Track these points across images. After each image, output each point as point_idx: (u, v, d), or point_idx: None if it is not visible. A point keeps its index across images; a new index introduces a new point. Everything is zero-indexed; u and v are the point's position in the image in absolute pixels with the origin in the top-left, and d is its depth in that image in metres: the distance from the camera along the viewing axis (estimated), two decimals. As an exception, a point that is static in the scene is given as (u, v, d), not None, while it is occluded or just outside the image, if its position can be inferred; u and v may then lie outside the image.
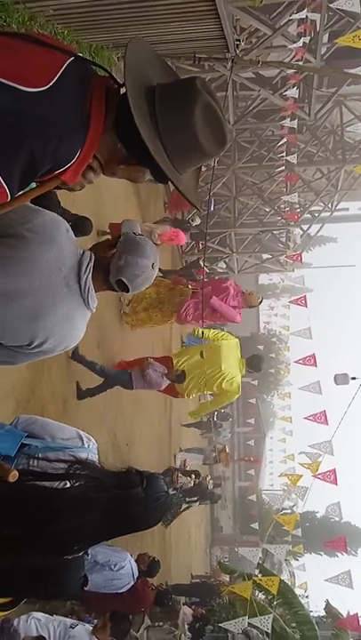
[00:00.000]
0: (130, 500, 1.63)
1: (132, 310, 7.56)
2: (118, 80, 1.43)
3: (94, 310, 1.70)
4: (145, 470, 1.76)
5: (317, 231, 15.74)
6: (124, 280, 1.71)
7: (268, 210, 14.49)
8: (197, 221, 11.43)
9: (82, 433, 1.91)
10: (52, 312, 1.58)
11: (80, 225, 5.12)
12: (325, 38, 9.98)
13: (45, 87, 1.25)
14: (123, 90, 1.37)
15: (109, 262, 1.71)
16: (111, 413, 7.07)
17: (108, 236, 6.07)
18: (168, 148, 1.34)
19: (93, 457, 1.86)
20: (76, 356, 5.64)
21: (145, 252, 1.73)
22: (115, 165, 1.44)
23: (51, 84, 1.26)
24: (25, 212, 1.60)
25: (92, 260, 1.67)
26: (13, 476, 1.52)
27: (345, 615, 8.94)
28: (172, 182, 1.37)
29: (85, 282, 1.63)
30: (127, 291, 1.74)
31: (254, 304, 7.61)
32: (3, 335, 1.58)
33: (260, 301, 7.83)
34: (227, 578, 10.57)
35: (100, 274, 1.70)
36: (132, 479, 1.66)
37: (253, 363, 7.19)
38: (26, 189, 1.40)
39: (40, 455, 1.76)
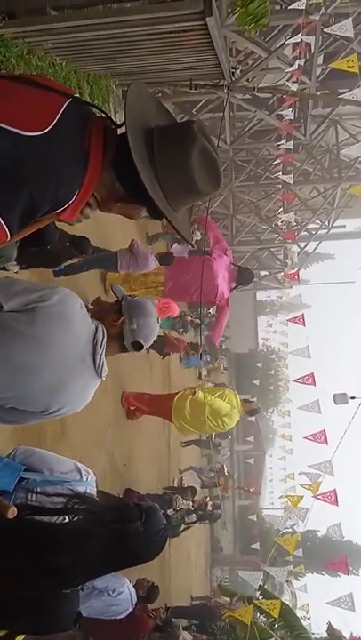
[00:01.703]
0: (129, 535, 1.63)
1: None
2: (115, 119, 1.46)
3: (104, 379, 1.80)
4: (144, 503, 1.75)
5: (315, 248, 15.82)
6: (140, 341, 1.84)
7: (265, 227, 14.60)
8: (198, 236, 11.59)
9: (80, 465, 1.90)
10: (69, 386, 1.68)
11: (78, 245, 5.14)
12: (320, 60, 10.15)
13: (44, 131, 1.27)
14: (120, 130, 1.40)
15: (121, 329, 1.83)
16: (109, 433, 7.03)
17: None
18: (165, 187, 1.38)
19: (92, 490, 1.85)
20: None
21: (150, 311, 1.88)
22: (112, 203, 1.47)
23: (50, 127, 1.28)
24: (43, 291, 1.67)
25: (105, 335, 1.76)
26: (12, 512, 1.51)
27: (348, 638, 8.80)
28: (169, 221, 1.41)
29: (100, 358, 1.73)
30: (141, 349, 1.87)
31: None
32: (19, 404, 1.65)
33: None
34: (227, 600, 10.42)
35: (114, 341, 1.81)
36: (131, 513, 1.65)
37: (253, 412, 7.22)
38: None
39: (38, 489, 1.75)
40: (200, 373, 6.72)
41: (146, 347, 1.88)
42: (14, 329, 1.58)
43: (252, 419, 20.89)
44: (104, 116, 1.46)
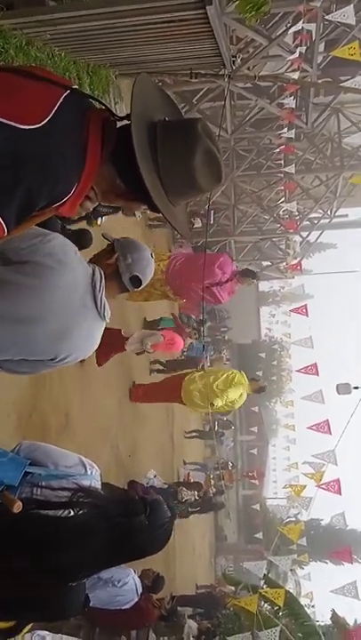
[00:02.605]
0: (133, 528, 1.63)
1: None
2: (115, 110, 1.45)
3: (108, 321, 1.83)
4: (148, 496, 1.76)
5: (317, 238, 15.75)
6: (137, 274, 1.87)
7: (267, 217, 14.53)
8: (198, 224, 11.59)
9: (84, 459, 1.91)
10: (74, 331, 1.69)
11: (80, 238, 5.13)
12: (321, 47, 10.04)
13: (41, 124, 1.25)
14: (119, 122, 1.39)
15: (117, 266, 1.86)
16: (113, 425, 7.06)
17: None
18: (166, 183, 1.38)
19: (96, 484, 1.86)
20: None
21: (141, 245, 1.94)
22: (112, 196, 1.47)
23: (47, 120, 1.26)
24: (36, 239, 1.67)
25: (103, 276, 1.79)
26: (18, 506, 1.52)
27: (352, 625, 8.88)
28: (166, 218, 1.41)
29: (101, 300, 1.75)
30: (140, 284, 1.89)
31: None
32: (29, 354, 1.67)
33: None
34: (232, 588, 10.51)
35: (112, 281, 1.84)
36: (136, 507, 1.66)
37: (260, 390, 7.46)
38: None
39: (43, 483, 1.76)
40: (203, 365, 6.79)
41: (144, 282, 1.89)
42: (15, 282, 1.60)
43: (256, 409, 21.08)
44: (103, 107, 1.45)
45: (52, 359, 1.69)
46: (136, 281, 1.88)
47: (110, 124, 1.40)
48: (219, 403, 6.95)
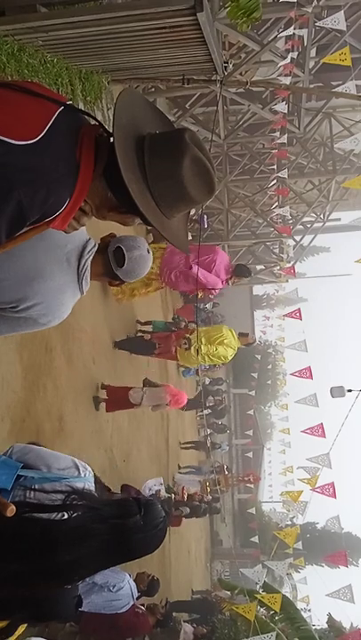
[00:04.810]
0: (129, 529, 1.63)
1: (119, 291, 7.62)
2: (108, 116, 1.46)
3: (84, 294, 1.83)
4: (142, 497, 1.76)
5: (310, 242, 15.83)
6: (121, 247, 1.89)
7: (260, 222, 14.59)
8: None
9: (78, 461, 1.91)
10: (47, 278, 1.68)
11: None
12: (313, 52, 10.12)
13: (35, 139, 1.27)
14: (112, 138, 1.40)
15: (108, 242, 1.92)
16: (108, 430, 7.05)
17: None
18: (156, 197, 1.38)
19: (90, 486, 1.86)
20: None
21: (140, 238, 1.98)
22: (105, 211, 1.48)
23: (40, 135, 1.28)
24: None
25: (96, 246, 1.82)
26: (11, 510, 1.51)
27: (348, 628, 8.88)
28: (159, 231, 1.41)
29: (85, 263, 1.77)
30: (123, 261, 1.88)
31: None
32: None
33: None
34: (228, 593, 10.47)
35: (99, 255, 1.86)
36: (130, 508, 1.66)
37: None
38: None
39: (36, 486, 1.75)
40: (197, 373, 6.94)
41: (127, 264, 1.89)
42: None
43: (251, 412, 21.11)
44: (96, 123, 1.46)
45: (15, 306, 1.66)
46: (119, 254, 1.88)
47: (103, 139, 1.41)
48: (204, 350, 7.33)
